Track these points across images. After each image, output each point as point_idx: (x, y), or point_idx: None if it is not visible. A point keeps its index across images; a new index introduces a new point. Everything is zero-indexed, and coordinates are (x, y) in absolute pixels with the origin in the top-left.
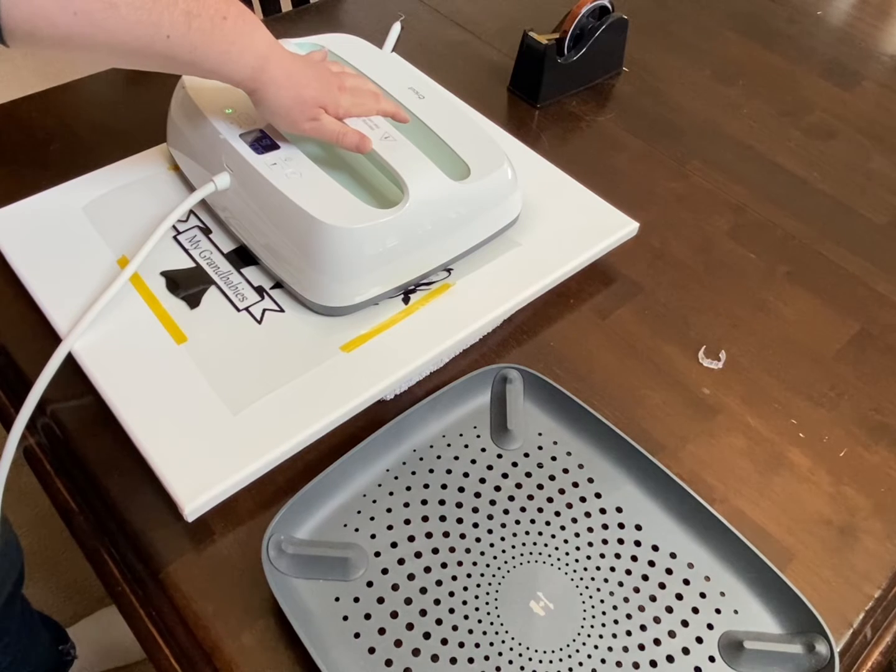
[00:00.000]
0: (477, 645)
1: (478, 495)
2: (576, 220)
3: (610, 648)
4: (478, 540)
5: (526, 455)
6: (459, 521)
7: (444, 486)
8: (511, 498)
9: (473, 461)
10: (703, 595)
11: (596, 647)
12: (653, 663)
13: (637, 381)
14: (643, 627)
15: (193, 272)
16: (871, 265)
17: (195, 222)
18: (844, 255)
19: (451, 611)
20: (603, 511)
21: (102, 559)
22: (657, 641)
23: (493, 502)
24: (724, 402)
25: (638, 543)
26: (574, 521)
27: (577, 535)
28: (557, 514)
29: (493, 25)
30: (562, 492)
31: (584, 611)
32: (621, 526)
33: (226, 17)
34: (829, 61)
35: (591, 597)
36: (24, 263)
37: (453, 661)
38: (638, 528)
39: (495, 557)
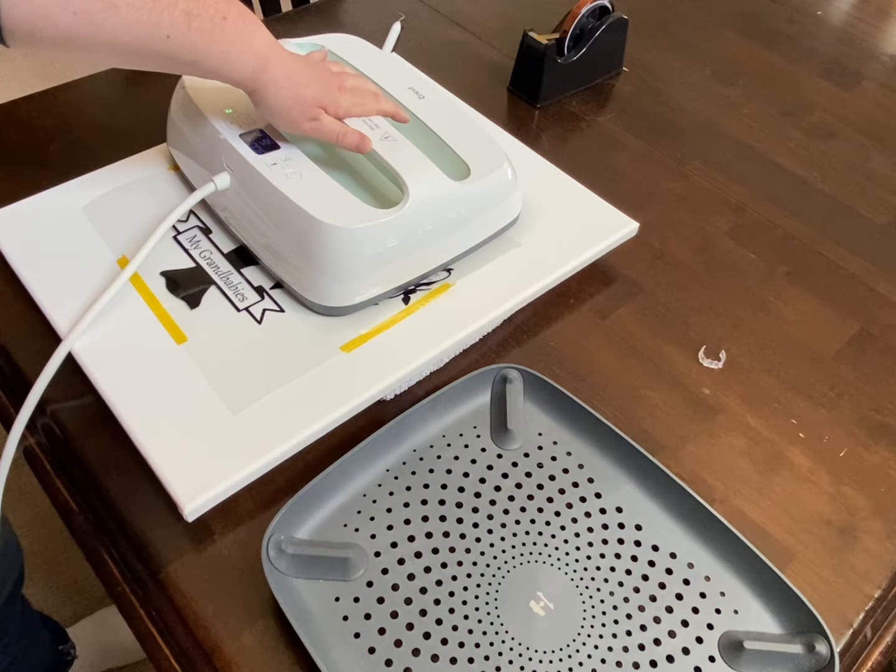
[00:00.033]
0: (477, 645)
1: (478, 495)
2: (576, 220)
3: (610, 648)
4: (478, 540)
5: (526, 455)
6: (459, 521)
7: (444, 486)
8: (511, 498)
9: (473, 461)
10: (703, 595)
11: (596, 647)
12: (653, 663)
13: (637, 381)
14: (643, 627)
15: (193, 272)
16: (871, 265)
17: (195, 222)
18: (844, 255)
19: (451, 611)
20: (603, 511)
21: (102, 559)
22: (657, 641)
23: (493, 502)
24: (724, 402)
25: (638, 543)
26: (574, 521)
27: (577, 535)
28: (557, 514)
29: (493, 25)
30: (562, 492)
31: (584, 611)
32: (621, 526)
33: (226, 17)
34: (829, 61)
35: (591, 597)
36: (24, 263)
37: (453, 661)
38: (638, 528)
39: (495, 557)
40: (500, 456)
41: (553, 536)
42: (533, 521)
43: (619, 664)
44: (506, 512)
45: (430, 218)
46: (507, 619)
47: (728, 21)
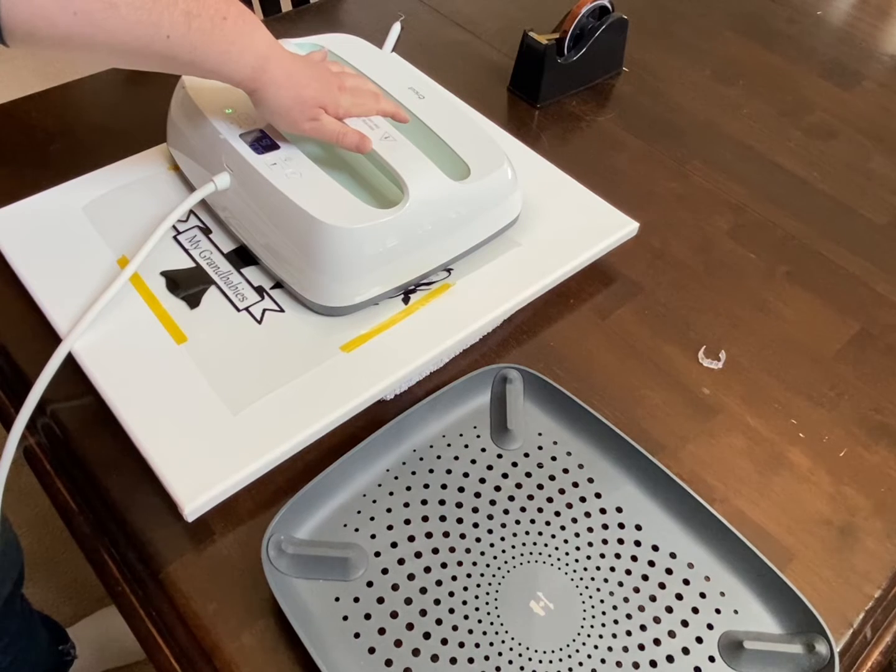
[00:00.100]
0: (477, 645)
1: (478, 495)
2: (576, 220)
3: (610, 648)
4: (478, 540)
5: (526, 455)
6: (459, 521)
7: (444, 486)
8: (511, 498)
9: (473, 461)
10: (703, 595)
11: (596, 647)
12: (653, 663)
13: (637, 381)
14: (643, 627)
15: (193, 272)
16: (871, 265)
17: (195, 222)
18: (844, 255)
19: (451, 611)
20: (603, 511)
21: (102, 559)
22: (657, 641)
23: (493, 502)
24: (724, 402)
25: (638, 543)
26: (574, 521)
27: (577, 535)
28: (557, 514)
29: (493, 25)
30: (562, 492)
31: (584, 611)
32: (621, 526)
33: (226, 18)
34: (829, 61)
35: (591, 597)
36: (24, 263)
37: (453, 661)
38: (638, 528)
39: (495, 557)
40: (500, 456)
41: (553, 536)
42: (533, 521)
43: (619, 664)
44: (506, 512)
45: (430, 218)
46: (507, 619)
47: (728, 21)
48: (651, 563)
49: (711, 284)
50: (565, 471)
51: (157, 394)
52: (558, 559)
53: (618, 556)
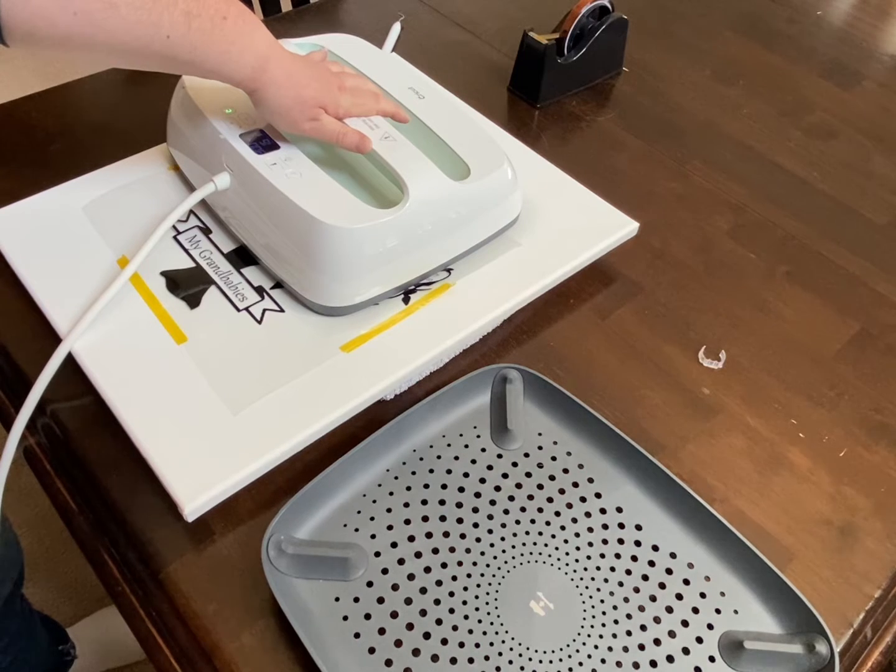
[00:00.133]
0: (477, 645)
1: (478, 495)
2: (576, 220)
3: (610, 648)
4: (478, 540)
5: (526, 455)
6: (459, 521)
7: (444, 486)
8: (511, 498)
9: (473, 461)
10: (703, 595)
11: (596, 647)
12: (653, 663)
13: (637, 381)
14: (643, 627)
15: (193, 272)
16: (871, 265)
17: (195, 222)
18: (844, 255)
19: (451, 611)
20: (603, 511)
21: (102, 559)
22: (657, 641)
23: (493, 502)
24: (724, 402)
25: (638, 543)
26: (574, 521)
27: (577, 535)
28: (557, 514)
29: (493, 25)
30: (562, 492)
31: (584, 611)
32: (621, 526)
33: (226, 17)
34: (829, 61)
35: (591, 597)
36: (24, 263)
37: (453, 661)
38: (638, 528)
39: (495, 557)
40: (500, 456)
41: (553, 536)
42: (533, 521)
43: (619, 664)
44: (506, 512)
45: (430, 218)
46: (507, 619)
47: (728, 21)
48: (651, 563)
49: (711, 284)
50: (565, 471)
51: (157, 394)
52: (558, 559)
53: (618, 556)
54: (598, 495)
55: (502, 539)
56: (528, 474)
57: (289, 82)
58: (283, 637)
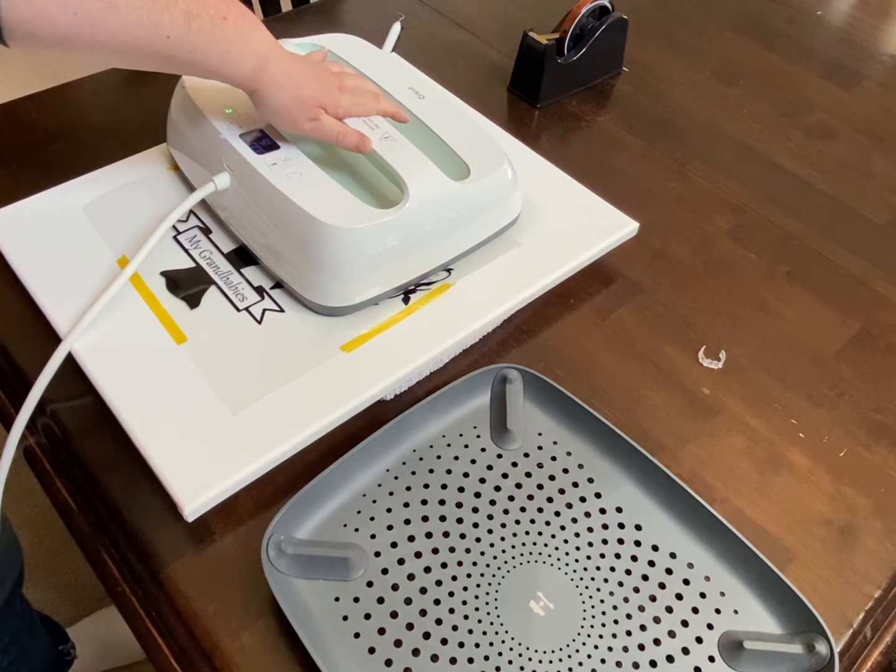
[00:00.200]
0: (477, 645)
1: (478, 495)
2: (576, 220)
3: (610, 648)
4: (478, 540)
5: (526, 455)
6: (459, 521)
7: (444, 486)
8: (511, 498)
9: (473, 461)
10: (702, 595)
11: (596, 647)
12: (653, 663)
13: (637, 381)
14: (643, 627)
15: (193, 272)
16: (871, 265)
17: (195, 222)
18: (844, 255)
19: (451, 611)
20: (603, 511)
21: (102, 559)
22: (657, 641)
23: (493, 502)
24: (724, 402)
25: (638, 543)
26: (574, 521)
27: (577, 534)
28: (557, 514)
29: (493, 25)
30: (562, 492)
31: (584, 611)
32: (621, 526)
33: (226, 18)
34: (829, 61)
35: (591, 597)
36: (24, 263)
37: (453, 661)
38: (638, 528)
39: (495, 557)
40: (500, 456)
41: (553, 536)
42: (533, 521)
43: (618, 664)
44: (506, 512)
45: (430, 218)
46: (507, 619)
47: (728, 21)
48: (651, 563)
49: (711, 284)
50: (565, 471)
51: (157, 394)
52: (558, 559)
53: (618, 556)
54: (597, 495)
55: (502, 539)
56: (528, 474)
57: (289, 82)
58: (283, 637)
